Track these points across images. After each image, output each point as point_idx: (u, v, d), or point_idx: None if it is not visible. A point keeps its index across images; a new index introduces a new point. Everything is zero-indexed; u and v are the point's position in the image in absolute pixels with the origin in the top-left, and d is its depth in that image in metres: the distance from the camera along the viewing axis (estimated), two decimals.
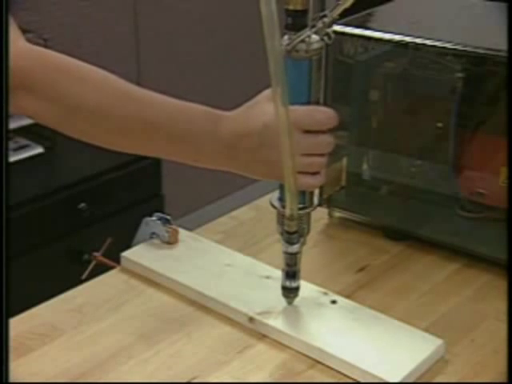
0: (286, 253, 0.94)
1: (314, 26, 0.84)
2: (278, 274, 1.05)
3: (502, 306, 0.97)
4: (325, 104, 1.21)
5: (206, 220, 1.24)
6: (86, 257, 1.84)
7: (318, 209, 1.23)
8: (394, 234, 1.19)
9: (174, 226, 1.13)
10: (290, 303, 0.99)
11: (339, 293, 1.03)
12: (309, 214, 0.92)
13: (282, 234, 0.93)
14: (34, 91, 0.86)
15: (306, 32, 0.83)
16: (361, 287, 1.07)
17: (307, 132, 0.85)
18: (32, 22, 2.14)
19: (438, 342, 0.93)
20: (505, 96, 1.04)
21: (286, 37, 0.84)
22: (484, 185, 1.14)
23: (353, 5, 0.83)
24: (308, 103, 0.86)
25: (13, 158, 1.91)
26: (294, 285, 0.97)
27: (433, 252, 1.15)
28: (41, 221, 1.87)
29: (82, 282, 1.08)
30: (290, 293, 0.98)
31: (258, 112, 0.86)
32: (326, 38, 0.85)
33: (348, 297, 1.03)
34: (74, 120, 0.89)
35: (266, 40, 0.76)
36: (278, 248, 1.16)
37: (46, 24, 2.20)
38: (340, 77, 1.20)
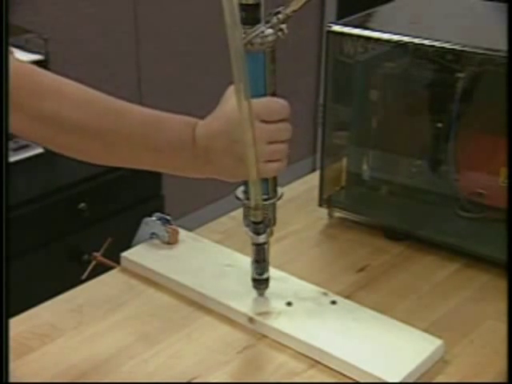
0: (254, 244, 0.96)
1: (268, 22, 0.87)
2: (278, 274, 1.05)
3: (502, 306, 0.97)
4: (325, 104, 1.21)
5: (206, 220, 1.24)
6: (85, 257, 1.84)
7: (318, 209, 1.24)
8: (394, 234, 1.19)
9: (173, 226, 1.13)
10: (261, 294, 0.99)
11: (339, 293, 1.03)
12: (274, 205, 0.94)
13: (248, 225, 0.94)
14: (20, 110, 0.86)
15: (261, 27, 0.86)
16: (361, 287, 1.07)
17: (266, 122, 0.88)
18: (32, 22, 2.14)
19: (438, 342, 0.93)
20: (505, 96, 1.04)
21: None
22: (484, 185, 1.14)
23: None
24: (264, 95, 0.89)
25: (13, 158, 1.91)
26: (264, 276, 0.98)
27: (433, 252, 1.15)
28: (41, 221, 1.87)
29: (82, 282, 1.08)
30: (260, 284, 0.99)
31: (224, 112, 0.89)
32: (280, 33, 0.88)
33: (348, 297, 1.03)
34: (57, 137, 0.91)
35: (228, 35, 0.80)
36: (278, 248, 1.16)
37: (46, 24, 2.20)
38: (340, 77, 1.20)
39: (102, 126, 0.90)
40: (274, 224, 0.95)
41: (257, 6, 0.86)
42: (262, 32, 0.86)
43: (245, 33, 0.85)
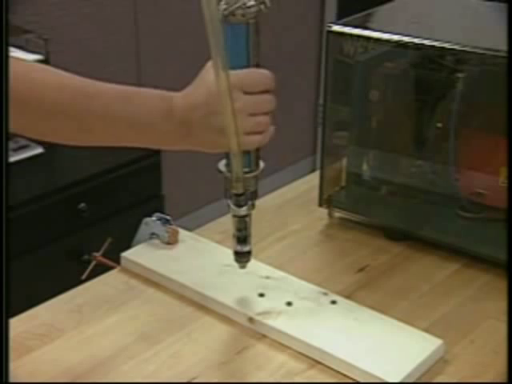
0: (236, 216, 0.96)
1: None
2: (278, 274, 1.05)
3: (502, 306, 0.97)
4: (325, 104, 1.21)
5: (206, 220, 1.24)
6: (86, 257, 1.84)
7: (318, 209, 1.24)
8: (394, 235, 1.19)
9: (173, 226, 1.13)
10: (242, 267, 0.99)
11: (339, 293, 1.03)
12: (256, 178, 0.95)
13: (230, 197, 0.94)
14: None
15: None
16: (361, 287, 1.07)
17: (249, 93, 0.88)
18: (32, 22, 2.14)
19: (438, 342, 0.93)
20: (505, 96, 1.04)
21: (222, 2, 0.87)
22: (484, 185, 1.14)
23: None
24: (247, 66, 0.89)
25: (13, 158, 1.91)
26: (245, 249, 0.98)
27: (433, 252, 1.15)
28: (41, 221, 1.87)
29: (81, 282, 1.08)
30: (242, 257, 0.99)
31: (204, 83, 0.88)
32: (262, 6, 0.88)
33: (348, 297, 1.03)
34: (32, 122, 0.90)
35: (203, 7, 0.79)
36: (278, 248, 1.16)
37: (46, 24, 2.20)
38: (340, 77, 1.20)
39: (76, 107, 0.89)
40: (256, 197, 0.96)
41: None
42: (244, 4, 0.87)
43: (227, 3, 0.86)
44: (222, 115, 0.85)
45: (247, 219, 0.96)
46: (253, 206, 0.96)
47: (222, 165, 0.93)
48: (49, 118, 0.89)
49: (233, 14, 0.87)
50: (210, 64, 0.87)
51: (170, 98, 0.90)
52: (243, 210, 0.94)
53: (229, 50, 0.83)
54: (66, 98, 0.89)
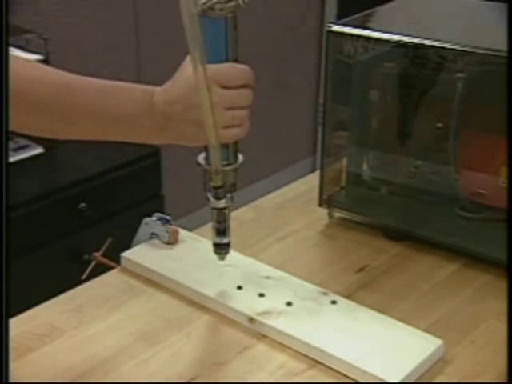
0: (215, 208, 0.97)
1: None
2: (278, 274, 1.05)
3: (502, 306, 0.97)
4: (325, 104, 1.21)
5: (206, 220, 1.24)
6: (86, 257, 1.84)
7: (318, 209, 1.24)
8: (394, 235, 1.19)
9: (173, 226, 1.13)
10: (222, 259, 1.00)
11: (339, 293, 1.03)
12: (235, 171, 0.96)
13: (209, 190, 0.95)
14: None
15: None
16: (361, 287, 1.07)
17: (227, 88, 0.89)
18: (32, 22, 2.14)
19: (438, 342, 0.93)
20: (505, 96, 1.04)
21: None
22: (484, 185, 1.14)
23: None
24: (226, 61, 0.90)
25: (13, 158, 1.91)
26: (224, 241, 0.99)
27: (433, 252, 1.15)
28: (41, 221, 1.87)
29: (82, 282, 1.08)
30: (221, 249, 1.00)
31: (183, 77, 0.90)
32: (240, 1, 0.88)
33: (348, 297, 1.03)
34: (17, 116, 0.89)
35: (180, 2, 0.80)
36: (278, 248, 1.16)
37: (46, 24, 2.20)
38: (340, 77, 1.20)
39: (58, 101, 0.90)
40: (235, 190, 0.97)
41: None
42: None
43: None
44: (200, 109, 0.86)
45: (226, 211, 0.97)
46: (232, 198, 0.97)
47: (201, 158, 0.95)
48: (30, 111, 0.90)
49: (211, 8, 0.87)
50: (188, 58, 0.88)
51: (152, 92, 0.91)
52: (222, 203, 0.96)
53: (207, 45, 0.84)
54: (48, 92, 0.90)
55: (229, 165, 0.94)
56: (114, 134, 0.94)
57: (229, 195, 0.96)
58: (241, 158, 0.96)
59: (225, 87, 0.88)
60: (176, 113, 0.89)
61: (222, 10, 0.88)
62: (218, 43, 0.89)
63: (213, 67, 0.86)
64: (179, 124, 0.90)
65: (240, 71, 0.90)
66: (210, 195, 0.95)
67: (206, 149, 0.93)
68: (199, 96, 0.85)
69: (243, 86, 0.89)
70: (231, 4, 0.88)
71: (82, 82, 0.92)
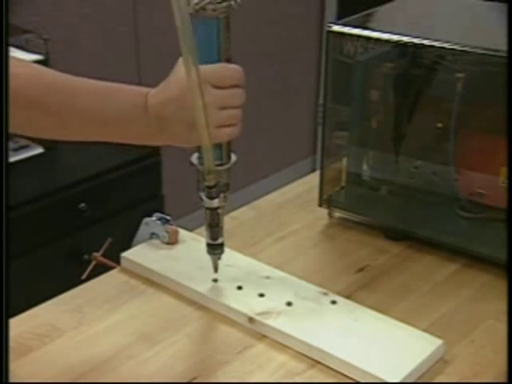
0: (208, 208, 0.97)
1: None
2: (278, 274, 1.05)
3: (502, 306, 0.97)
4: (325, 104, 1.21)
5: None
6: (86, 257, 1.84)
7: (318, 209, 1.24)
8: (394, 234, 1.19)
9: (173, 226, 1.13)
10: (215, 260, 1.01)
11: (339, 293, 1.03)
12: (228, 171, 0.96)
13: (203, 190, 0.96)
14: None
15: None
16: (361, 287, 1.07)
17: (219, 88, 0.89)
18: (32, 22, 2.14)
19: (438, 342, 0.93)
20: (505, 96, 1.04)
21: None
22: (484, 185, 1.14)
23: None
24: (218, 61, 0.91)
25: (13, 158, 1.91)
26: (218, 241, 1.00)
27: (433, 252, 1.15)
28: (41, 221, 1.87)
29: (82, 282, 1.08)
30: (215, 249, 1.00)
31: (176, 78, 0.90)
32: (233, 1, 0.89)
33: (348, 297, 1.03)
34: (13, 116, 0.90)
35: (172, 2, 0.81)
36: (278, 248, 1.16)
37: (45, 24, 2.20)
38: (340, 77, 1.20)
39: (53, 101, 0.90)
40: (228, 190, 0.97)
41: None
42: None
43: None
44: (193, 109, 0.86)
45: (220, 211, 0.98)
46: (225, 198, 0.97)
47: (194, 158, 0.95)
48: (22, 110, 0.89)
49: (204, 8, 0.88)
50: (181, 60, 0.88)
51: (146, 93, 0.92)
52: (215, 203, 0.96)
53: (200, 45, 0.85)
54: (39, 91, 0.90)
55: (222, 164, 0.95)
56: (107, 136, 0.95)
57: (222, 195, 0.96)
58: (234, 157, 0.96)
59: (217, 87, 0.89)
60: (170, 114, 0.90)
61: (214, 10, 0.88)
62: (211, 44, 0.90)
63: (205, 67, 0.87)
64: (173, 125, 0.90)
65: (232, 71, 0.90)
66: (203, 195, 0.96)
67: (199, 149, 0.93)
68: (192, 96, 0.85)
69: (235, 86, 0.90)
70: (223, 4, 0.88)
71: (75, 82, 0.92)
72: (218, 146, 0.93)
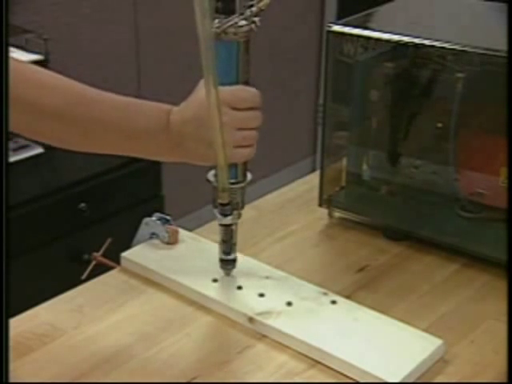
0: (222, 225, 1.00)
1: (242, 14, 0.91)
2: (278, 274, 1.05)
3: (502, 306, 0.97)
4: (325, 104, 1.21)
5: (206, 220, 1.24)
6: (86, 257, 1.84)
7: (318, 209, 1.24)
8: (394, 235, 1.19)
9: (173, 226, 1.13)
10: (227, 274, 1.03)
11: (339, 293, 1.03)
12: (243, 189, 0.98)
13: (216, 207, 0.98)
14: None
15: (235, 18, 0.90)
16: (361, 287, 1.07)
17: (237, 109, 0.91)
18: (32, 22, 2.14)
19: (438, 342, 0.93)
20: (505, 96, 1.04)
21: (216, 20, 0.90)
22: (484, 185, 1.14)
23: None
24: (237, 83, 0.93)
25: (13, 158, 1.91)
26: (230, 257, 1.02)
27: (433, 252, 1.15)
28: (41, 221, 1.87)
29: (82, 281, 1.08)
30: (227, 265, 1.03)
31: (196, 98, 0.92)
32: (253, 25, 0.92)
33: (348, 297, 1.03)
34: (37, 125, 0.92)
35: (198, 26, 0.83)
36: (278, 248, 1.16)
37: (45, 24, 2.20)
38: (340, 77, 1.20)
39: (78, 113, 0.92)
40: (242, 207, 0.99)
41: None
42: (236, 23, 0.90)
43: (220, 22, 0.90)
44: (211, 129, 0.89)
45: (233, 228, 1.00)
46: (239, 215, 0.99)
47: (210, 175, 0.97)
48: (43, 119, 0.91)
49: (225, 32, 0.90)
50: (202, 81, 0.91)
51: (168, 110, 0.94)
52: (228, 220, 0.99)
53: (220, 67, 0.87)
54: (62, 101, 0.91)
55: (237, 183, 0.97)
56: (128, 149, 0.97)
57: (236, 212, 0.98)
58: (249, 176, 0.98)
59: (235, 109, 0.91)
60: (189, 132, 0.92)
61: (235, 34, 0.91)
62: (230, 66, 0.92)
63: (225, 89, 0.89)
64: (192, 143, 0.93)
65: (250, 94, 0.93)
66: (216, 212, 0.98)
67: (215, 166, 0.94)
68: (210, 116, 0.88)
69: (252, 108, 0.92)
70: (244, 29, 0.91)
71: (97, 93, 0.93)
72: (234, 165, 0.95)
